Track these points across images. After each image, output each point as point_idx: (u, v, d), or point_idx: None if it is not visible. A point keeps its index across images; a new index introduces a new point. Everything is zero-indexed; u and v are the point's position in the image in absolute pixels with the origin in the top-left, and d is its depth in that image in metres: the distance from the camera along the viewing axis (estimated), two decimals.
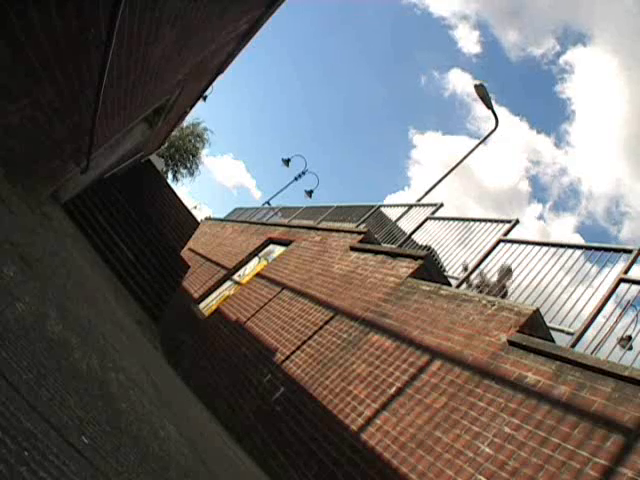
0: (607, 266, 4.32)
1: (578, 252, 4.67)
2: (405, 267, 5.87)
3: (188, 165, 31.61)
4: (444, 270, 6.05)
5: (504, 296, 5.12)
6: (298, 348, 5.81)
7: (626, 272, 4.02)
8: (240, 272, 10.32)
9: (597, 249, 4.54)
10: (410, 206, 8.28)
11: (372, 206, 9.09)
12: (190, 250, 14.78)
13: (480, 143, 11.67)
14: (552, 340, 4.08)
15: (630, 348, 3.68)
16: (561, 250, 4.82)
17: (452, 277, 5.79)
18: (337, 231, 8.41)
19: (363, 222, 8.71)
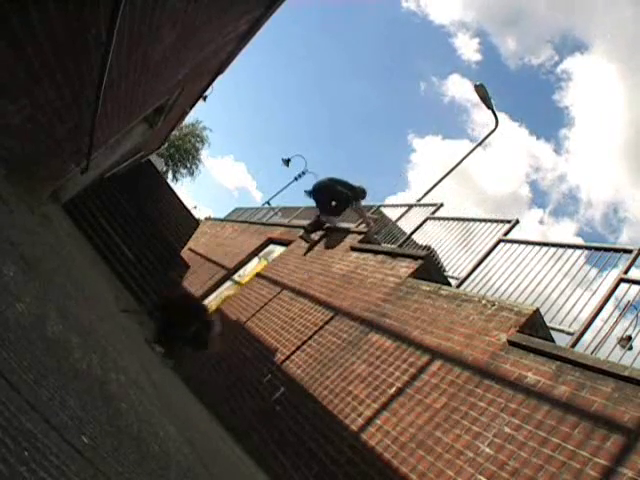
0: (607, 268, 4.32)
1: (578, 252, 4.67)
2: (405, 267, 5.87)
3: (188, 165, 31.62)
4: (444, 270, 6.05)
5: None
6: (298, 348, 5.81)
7: (626, 272, 4.02)
8: (240, 272, 10.31)
9: (597, 249, 4.54)
10: (410, 206, 8.28)
11: (372, 206, 9.08)
12: (190, 250, 14.76)
13: (481, 142, 11.67)
14: (552, 340, 4.08)
15: (630, 348, 3.68)
16: (561, 250, 4.82)
17: (452, 277, 5.79)
18: (337, 231, 8.40)
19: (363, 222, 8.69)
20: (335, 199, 8.44)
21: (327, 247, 8.00)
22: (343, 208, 8.40)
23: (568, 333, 3.99)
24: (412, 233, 7.27)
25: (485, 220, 6.25)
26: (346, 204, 8.32)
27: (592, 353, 3.60)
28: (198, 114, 35.87)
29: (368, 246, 7.06)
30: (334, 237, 8.16)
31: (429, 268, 5.77)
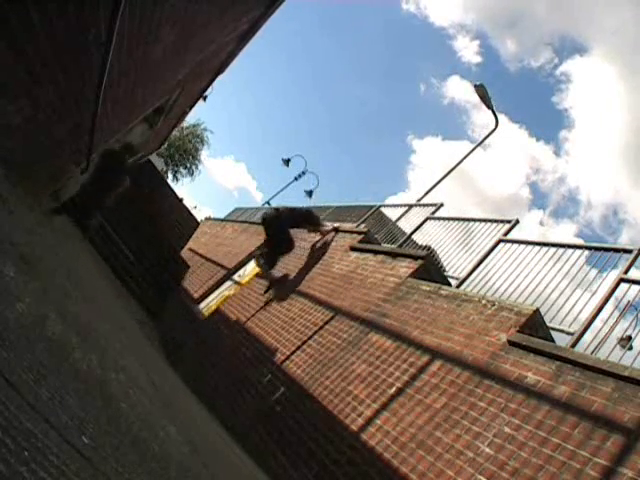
0: (607, 268, 4.32)
1: (578, 252, 4.67)
2: (405, 267, 5.87)
3: (188, 165, 31.58)
4: (444, 270, 6.05)
5: None
6: (298, 348, 5.81)
7: (626, 272, 4.02)
8: (240, 272, 10.31)
9: (597, 249, 4.54)
10: (410, 206, 8.28)
11: (372, 206, 9.09)
12: (190, 250, 14.76)
13: (481, 142, 11.69)
14: (552, 340, 4.08)
15: (630, 348, 3.68)
16: (561, 250, 4.82)
17: (452, 277, 5.79)
18: (337, 231, 8.40)
19: (363, 222, 8.70)
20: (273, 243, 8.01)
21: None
22: (275, 258, 7.94)
23: (568, 333, 3.98)
24: (412, 233, 7.27)
25: (485, 220, 6.26)
26: (278, 251, 7.91)
27: (592, 353, 3.60)
28: (198, 114, 35.83)
29: (368, 246, 7.06)
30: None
31: (429, 268, 5.77)
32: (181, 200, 17.78)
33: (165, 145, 16.60)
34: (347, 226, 8.63)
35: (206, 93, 9.28)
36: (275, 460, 4.53)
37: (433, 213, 7.37)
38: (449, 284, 5.60)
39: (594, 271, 4.41)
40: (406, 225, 7.83)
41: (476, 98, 10.92)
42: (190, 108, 10.17)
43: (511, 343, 3.86)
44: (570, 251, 4.74)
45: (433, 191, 10.87)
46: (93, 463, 1.11)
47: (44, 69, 2.76)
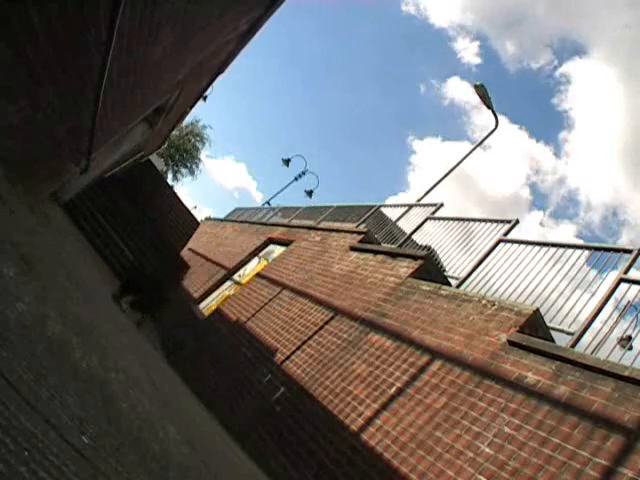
0: (607, 269, 4.31)
1: (578, 252, 4.67)
2: (405, 267, 5.87)
3: (188, 165, 31.58)
4: (444, 270, 6.05)
5: None
6: (298, 348, 5.81)
7: (626, 272, 4.02)
8: (240, 272, 10.31)
9: (597, 249, 4.54)
10: (410, 206, 8.28)
11: (372, 206, 9.09)
12: (190, 250, 14.76)
13: (481, 142, 11.67)
14: (552, 340, 4.08)
15: (630, 348, 3.68)
16: (561, 251, 4.82)
17: (452, 277, 5.79)
18: (337, 231, 8.41)
19: (363, 222, 8.70)
20: None
21: None
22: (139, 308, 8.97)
23: (568, 333, 3.98)
24: (412, 233, 7.26)
25: (485, 220, 6.25)
26: None
27: (592, 353, 3.60)
28: (198, 113, 35.83)
29: (368, 246, 7.06)
30: None
31: (429, 268, 5.77)
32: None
33: (165, 145, 16.59)
34: (347, 226, 8.63)
35: (206, 93, 9.26)
36: (275, 460, 4.53)
37: (433, 213, 7.37)
38: (449, 284, 5.60)
39: (594, 271, 4.41)
40: (406, 225, 7.82)
41: (476, 99, 10.93)
42: (190, 108, 10.15)
43: (511, 343, 3.86)
44: (570, 251, 4.74)
45: (433, 191, 10.86)
46: (93, 463, 1.11)
47: (44, 69, 2.76)
